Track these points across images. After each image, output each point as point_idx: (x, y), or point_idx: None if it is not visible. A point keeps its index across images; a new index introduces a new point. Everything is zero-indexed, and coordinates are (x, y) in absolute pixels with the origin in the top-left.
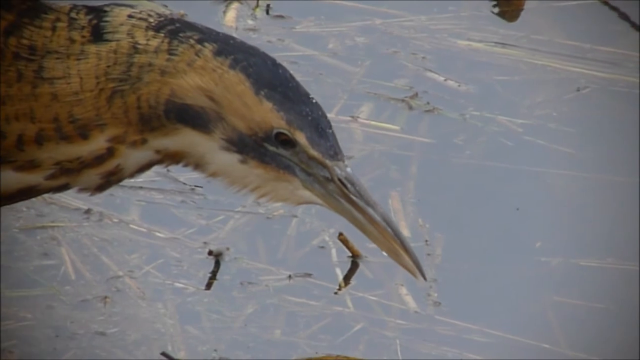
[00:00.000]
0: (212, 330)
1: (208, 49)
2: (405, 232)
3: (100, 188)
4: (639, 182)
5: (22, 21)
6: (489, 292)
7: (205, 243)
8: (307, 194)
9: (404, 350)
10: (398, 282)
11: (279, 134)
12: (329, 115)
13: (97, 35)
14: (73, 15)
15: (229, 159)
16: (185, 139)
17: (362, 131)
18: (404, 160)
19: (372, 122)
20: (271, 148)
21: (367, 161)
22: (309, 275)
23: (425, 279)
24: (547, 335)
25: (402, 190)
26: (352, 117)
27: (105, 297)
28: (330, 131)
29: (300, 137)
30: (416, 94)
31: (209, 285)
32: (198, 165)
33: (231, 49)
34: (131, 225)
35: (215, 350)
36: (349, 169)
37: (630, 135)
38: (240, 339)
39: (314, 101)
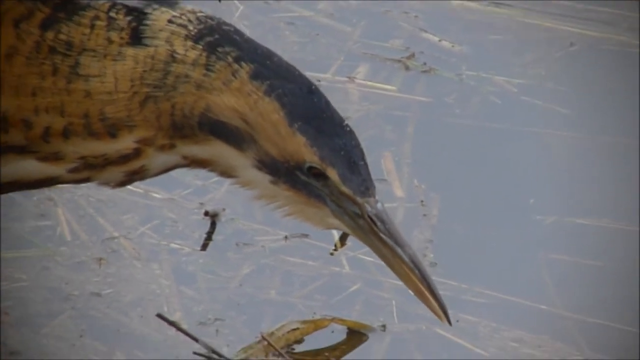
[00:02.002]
0: (207, 291)
1: (245, 70)
2: (400, 192)
3: (121, 184)
4: (638, 142)
5: (59, 16)
6: (484, 252)
7: (201, 204)
8: (336, 222)
9: (400, 311)
10: None
11: (311, 168)
12: (326, 76)
13: (136, 38)
14: (112, 14)
15: (260, 177)
16: (217, 150)
17: (358, 92)
18: (400, 120)
19: (369, 83)
20: (302, 177)
21: (363, 121)
22: (305, 235)
23: (450, 324)
24: (543, 296)
25: (398, 151)
26: (349, 77)
27: (101, 259)
28: (363, 163)
29: (332, 174)
30: (413, 55)
31: (204, 246)
32: (226, 174)
33: (268, 73)
34: (127, 186)
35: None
36: (379, 206)
37: (624, 95)
38: (236, 299)
39: (347, 129)
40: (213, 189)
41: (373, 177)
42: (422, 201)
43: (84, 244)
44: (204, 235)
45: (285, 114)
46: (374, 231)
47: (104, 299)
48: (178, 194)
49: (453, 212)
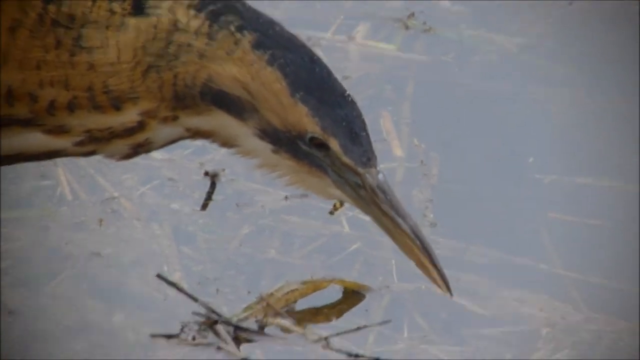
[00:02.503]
0: (207, 251)
1: (247, 40)
2: (399, 152)
3: (127, 157)
4: (638, 101)
5: None
6: (484, 212)
7: (201, 164)
8: (337, 192)
9: (399, 270)
10: None
11: (312, 138)
12: (325, 35)
13: (139, 8)
14: None
15: (262, 146)
16: (219, 120)
17: (358, 51)
18: (400, 80)
19: (369, 42)
20: (304, 147)
21: (363, 81)
22: (305, 196)
23: (451, 295)
24: (543, 255)
25: (397, 110)
26: (349, 37)
27: (101, 219)
28: (364, 134)
29: (334, 144)
30: (412, 14)
31: (204, 206)
32: (227, 144)
33: (270, 43)
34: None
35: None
36: (381, 177)
37: (624, 53)
38: (236, 259)
39: (349, 100)
40: (213, 150)
41: (372, 137)
42: (421, 161)
43: (84, 204)
44: (204, 196)
45: (287, 84)
46: (375, 202)
47: (104, 258)
48: (178, 154)
49: (453, 172)
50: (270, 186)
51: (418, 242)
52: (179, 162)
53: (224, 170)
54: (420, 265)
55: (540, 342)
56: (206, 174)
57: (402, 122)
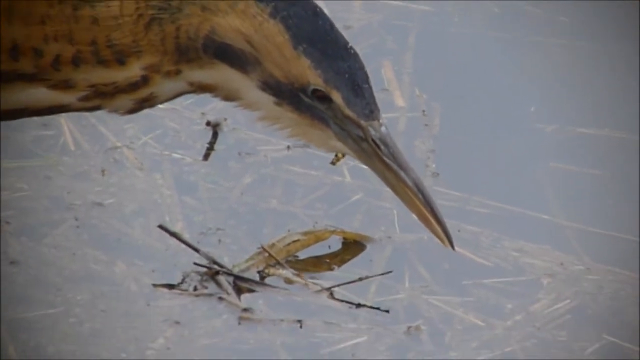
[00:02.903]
0: (209, 201)
1: None
2: (401, 102)
3: (131, 111)
4: (638, 50)
5: None
6: (486, 162)
7: (203, 114)
8: (339, 144)
9: (401, 221)
10: None
11: (315, 90)
12: None
13: None
14: None
15: (264, 98)
16: (221, 74)
17: (360, 1)
18: (402, 30)
19: None
20: (306, 100)
21: (365, 31)
22: (307, 145)
23: (453, 248)
24: (544, 205)
25: (399, 60)
26: None
27: (103, 169)
28: (367, 86)
29: (336, 97)
30: None
31: (206, 156)
32: (230, 98)
33: None
34: None
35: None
36: (383, 129)
37: (629, 4)
38: (237, 208)
39: (352, 52)
40: (215, 99)
41: (374, 87)
42: (423, 111)
43: (87, 154)
44: (206, 145)
45: (290, 36)
46: (377, 155)
47: (105, 208)
48: (180, 103)
49: (454, 122)
50: (273, 136)
51: (420, 196)
52: (181, 111)
53: (225, 119)
54: (422, 218)
55: (542, 292)
56: (208, 123)
57: (403, 72)
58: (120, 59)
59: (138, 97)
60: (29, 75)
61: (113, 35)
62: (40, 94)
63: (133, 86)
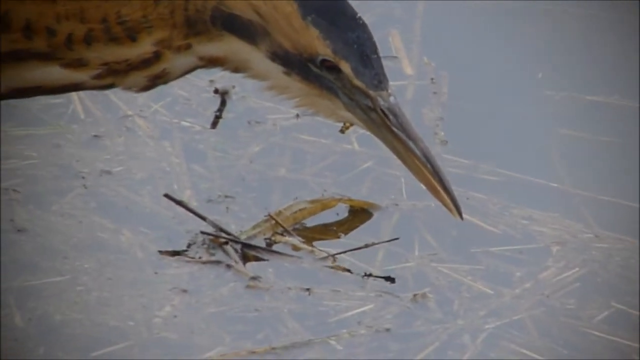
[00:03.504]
0: (217, 169)
1: None
2: (409, 70)
3: (145, 88)
4: None
5: None
6: (494, 130)
7: (211, 81)
8: (348, 114)
9: (409, 188)
10: None
11: (324, 60)
12: None
13: None
14: None
15: (273, 68)
16: (230, 45)
17: None
18: None
19: None
20: (315, 70)
21: None
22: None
23: (462, 218)
24: (553, 173)
25: (407, 29)
26: None
27: (112, 136)
28: (376, 56)
29: (345, 67)
30: None
31: (214, 124)
32: (239, 69)
33: None
34: None
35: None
36: (392, 99)
37: None
38: (246, 176)
39: (360, 22)
40: None
41: (382, 54)
42: (432, 79)
43: (96, 122)
44: (215, 113)
45: (299, 6)
46: (386, 124)
47: (114, 176)
48: None
49: (463, 90)
50: (282, 104)
51: (429, 166)
52: (190, 79)
53: (234, 87)
54: (430, 188)
55: (551, 260)
56: (216, 91)
57: (412, 41)
58: (132, 36)
59: (151, 74)
60: (44, 54)
61: (123, 11)
62: (55, 73)
63: (145, 63)
